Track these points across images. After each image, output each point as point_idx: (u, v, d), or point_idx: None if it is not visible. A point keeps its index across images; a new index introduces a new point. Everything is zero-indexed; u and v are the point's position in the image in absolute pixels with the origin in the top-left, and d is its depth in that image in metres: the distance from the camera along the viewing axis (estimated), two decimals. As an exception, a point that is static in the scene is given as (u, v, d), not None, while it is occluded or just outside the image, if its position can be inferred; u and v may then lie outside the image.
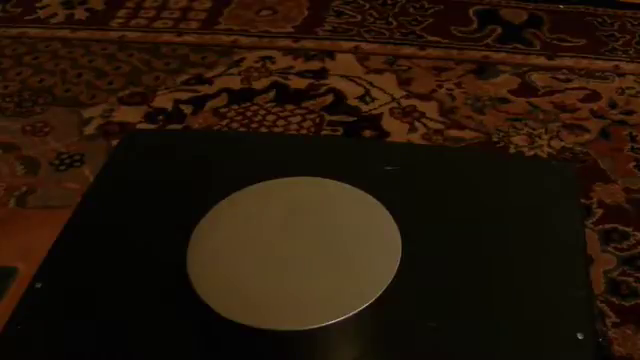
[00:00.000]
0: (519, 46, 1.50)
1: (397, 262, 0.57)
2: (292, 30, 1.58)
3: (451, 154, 0.90)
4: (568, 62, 1.45)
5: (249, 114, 1.34)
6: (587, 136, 1.27)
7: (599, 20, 1.58)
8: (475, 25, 1.58)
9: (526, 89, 1.38)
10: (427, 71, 1.44)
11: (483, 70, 1.44)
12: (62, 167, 1.24)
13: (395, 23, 1.58)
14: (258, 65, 1.47)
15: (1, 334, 0.60)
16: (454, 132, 1.29)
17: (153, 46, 1.54)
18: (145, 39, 1.57)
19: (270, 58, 1.49)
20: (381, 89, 1.39)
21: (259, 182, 0.65)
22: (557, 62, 1.45)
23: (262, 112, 1.34)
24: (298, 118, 1.33)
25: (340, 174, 0.65)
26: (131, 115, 1.35)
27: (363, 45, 1.52)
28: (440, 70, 1.44)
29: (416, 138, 1.28)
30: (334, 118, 1.33)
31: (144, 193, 0.73)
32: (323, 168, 0.67)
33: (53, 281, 0.64)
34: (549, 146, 1.25)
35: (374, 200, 0.63)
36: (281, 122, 1.32)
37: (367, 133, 1.30)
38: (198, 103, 1.37)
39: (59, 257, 0.67)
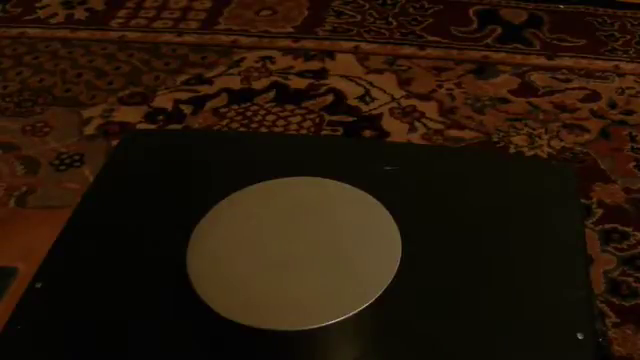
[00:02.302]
0: (519, 46, 1.50)
1: (397, 262, 0.56)
2: (292, 30, 1.58)
3: (451, 154, 0.90)
4: (568, 62, 1.45)
5: (249, 114, 1.34)
6: (587, 136, 1.28)
7: (599, 20, 1.58)
8: (475, 25, 1.58)
9: (526, 89, 1.39)
10: (427, 71, 1.44)
11: (483, 70, 1.44)
12: (62, 167, 1.24)
13: (395, 23, 1.58)
14: (258, 65, 1.47)
15: (1, 334, 0.60)
16: (454, 132, 1.29)
17: (153, 46, 1.54)
18: (145, 39, 1.57)
19: (270, 58, 1.49)
20: (381, 89, 1.39)
21: (259, 182, 0.65)
22: (557, 62, 1.45)
23: (262, 112, 1.34)
24: (298, 118, 1.33)
25: (340, 174, 0.65)
26: (131, 115, 1.35)
27: (363, 45, 1.52)
28: (440, 70, 1.44)
29: (416, 138, 1.28)
30: (334, 118, 1.33)
31: (144, 193, 0.73)
32: (323, 168, 0.67)
33: (53, 281, 0.64)
34: (549, 146, 1.25)
35: (374, 200, 0.63)
36: (281, 122, 1.32)
37: (367, 133, 1.30)
38: (198, 103, 1.37)
39: (59, 257, 0.67)
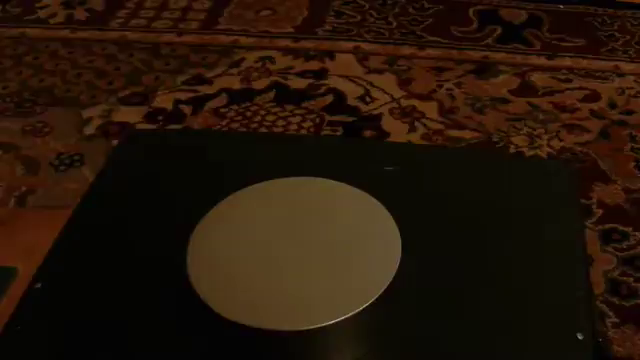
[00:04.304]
0: (519, 46, 1.50)
1: (397, 262, 0.56)
2: (292, 30, 1.58)
3: (451, 154, 0.90)
4: (568, 62, 1.45)
5: (249, 114, 1.34)
6: (587, 136, 1.27)
7: (599, 20, 1.58)
8: (475, 25, 1.58)
9: (526, 89, 1.39)
10: (427, 71, 1.44)
11: (483, 70, 1.44)
12: (62, 167, 1.24)
13: (395, 23, 1.58)
14: (258, 65, 1.47)
15: (1, 334, 0.60)
16: (454, 132, 1.29)
17: (153, 46, 1.54)
18: (145, 39, 1.57)
19: (270, 58, 1.49)
20: (381, 89, 1.39)
21: (259, 182, 0.65)
22: (557, 62, 1.45)
23: (262, 112, 1.34)
24: (298, 118, 1.33)
25: (340, 174, 0.65)
26: (131, 115, 1.35)
27: (363, 45, 1.52)
28: (440, 70, 1.44)
29: (416, 138, 1.28)
30: (334, 118, 1.33)
31: (144, 193, 0.73)
32: (323, 168, 0.67)
33: (53, 281, 0.64)
34: (549, 146, 1.25)
35: (374, 200, 0.62)
36: (281, 122, 1.32)
37: (367, 133, 1.30)
38: (198, 103, 1.37)
39: (59, 257, 0.67)
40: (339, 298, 0.55)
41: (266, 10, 1.65)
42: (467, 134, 1.28)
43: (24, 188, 1.21)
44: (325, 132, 1.30)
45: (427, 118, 1.32)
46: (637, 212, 1.13)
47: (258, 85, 1.41)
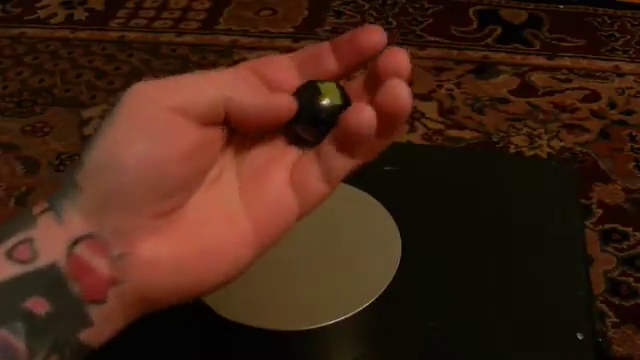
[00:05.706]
0: (519, 46, 1.50)
1: (397, 262, 0.56)
2: (292, 30, 1.58)
3: (451, 154, 0.90)
4: (568, 62, 1.45)
5: (249, 114, 1.34)
6: (587, 136, 1.28)
7: (599, 20, 1.58)
8: (475, 25, 1.58)
9: (526, 89, 1.39)
10: (427, 71, 1.44)
11: (483, 70, 1.44)
12: (62, 167, 1.24)
13: (395, 23, 1.58)
14: (258, 65, 1.47)
15: None
16: (454, 132, 1.29)
17: (153, 46, 1.54)
18: (145, 39, 1.57)
19: (270, 58, 1.49)
20: (381, 89, 1.39)
21: (259, 182, 0.65)
22: (557, 62, 1.45)
23: (262, 112, 1.34)
24: (298, 118, 1.33)
25: (340, 174, 0.65)
26: (131, 115, 1.35)
27: (363, 45, 1.52)
28: (440, 70, 1.44)
29: (416, 138, 1.28)
30: (334, 118, 1.33)
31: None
32: (323, 168, 0.66)
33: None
34: (549, 146, 1.25)
35: (374, 200, 0.62)
36: (281, 122, 1.32)
37: (367, 133, 1.30)
38: (198, 103, 1.37)
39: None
40: (339, 298, 0.54)
41: (266, 10, 1.65)
42: (467, 134, 1.28)
43: (24, 188, 1.21)
44: (325, 132, 1.30)
45: (427, 118, 1.32)
46: (637, 212, 1.13)
47: (258, 85, 1.41)
